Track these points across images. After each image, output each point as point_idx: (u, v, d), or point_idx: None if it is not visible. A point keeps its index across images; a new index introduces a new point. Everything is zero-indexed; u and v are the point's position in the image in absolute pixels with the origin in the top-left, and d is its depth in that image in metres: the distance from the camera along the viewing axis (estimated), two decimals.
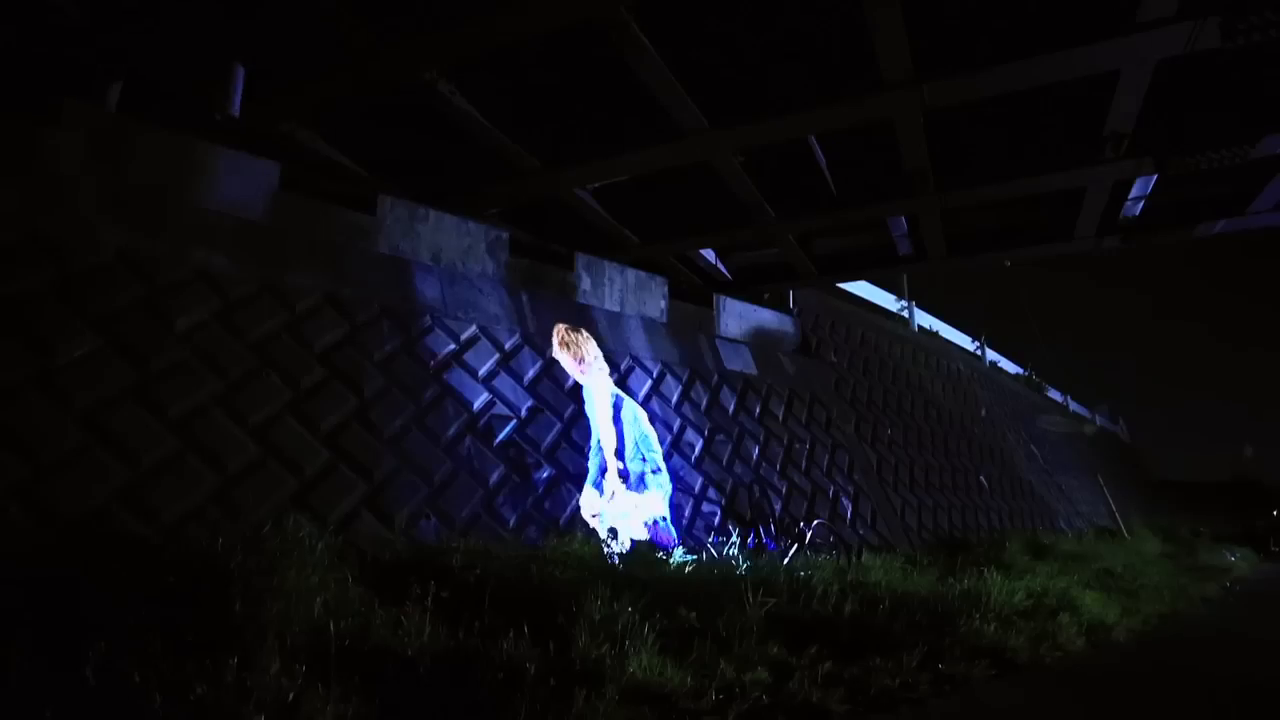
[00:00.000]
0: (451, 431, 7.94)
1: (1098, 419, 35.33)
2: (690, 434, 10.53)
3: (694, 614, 5.53)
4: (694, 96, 8.09)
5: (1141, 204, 10.63)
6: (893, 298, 20.39)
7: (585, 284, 10.89)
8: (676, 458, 10.02)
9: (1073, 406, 32.26)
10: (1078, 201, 10.60)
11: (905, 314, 20.24)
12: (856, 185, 10.48)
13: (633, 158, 9.20)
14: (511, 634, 4.50)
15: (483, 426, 8.27)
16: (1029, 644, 6.18)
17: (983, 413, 19.59)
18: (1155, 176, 9.82)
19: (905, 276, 20.44)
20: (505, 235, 10.04)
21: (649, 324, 11.54)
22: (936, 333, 21.47)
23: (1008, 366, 26.80)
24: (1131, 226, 11.24)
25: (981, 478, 16.75)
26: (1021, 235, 12.18)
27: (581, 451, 9.04)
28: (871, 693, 4.72)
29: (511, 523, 7.73)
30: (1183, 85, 8.27)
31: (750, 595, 5.86)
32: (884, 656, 5.28)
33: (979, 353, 23.97)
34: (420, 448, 7.55)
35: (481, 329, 9.09)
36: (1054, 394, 30.53)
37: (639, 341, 11.12)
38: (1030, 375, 28.41)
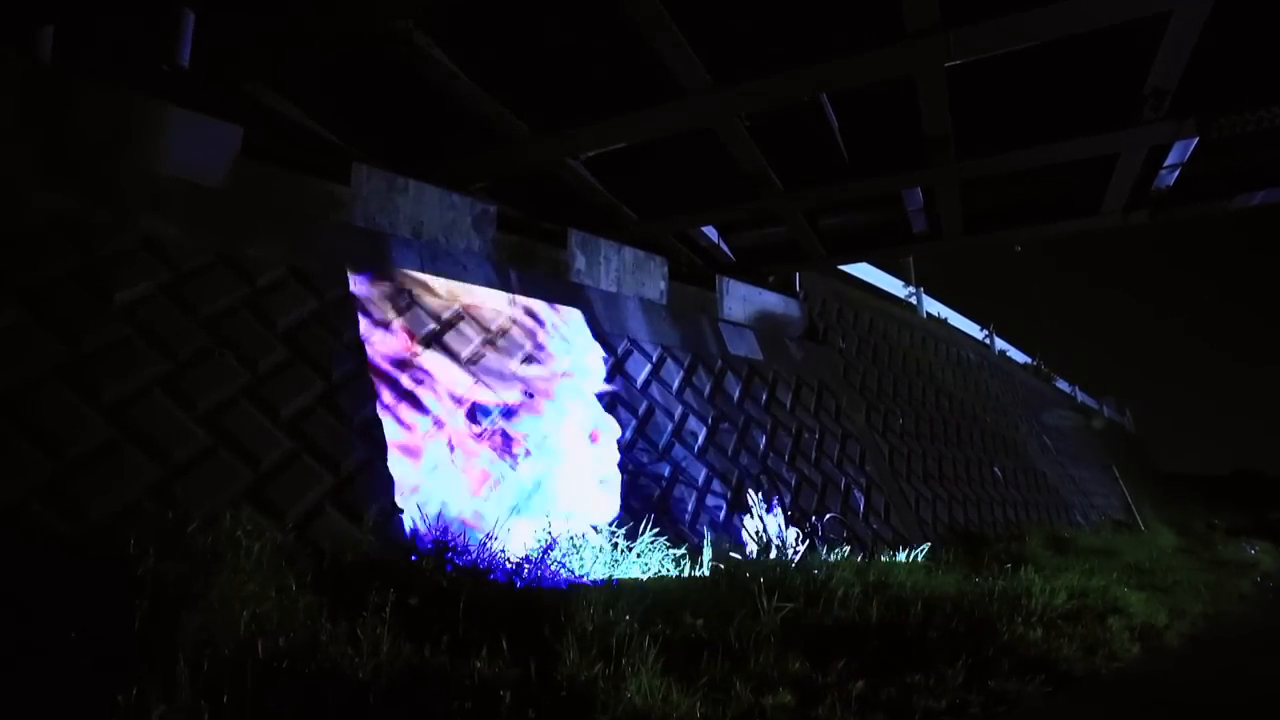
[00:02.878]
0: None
1: (1105, 410, 34.67)
2: (693, 422, 9.79)
3: (701, 622, 4.83)
4: (698, 50, 7.35)
5: (1177, 173, 9.88)
6: (900, 283, 19.66)
7: (579, 263, 10.14)
8: (678, 448, 9.29)
9: (1080, 397, 31.61)
10: (1107, 172, 9.87)
11: (913, 300, 19.51)
12: (871, 155, 9.73)
13: (630, 121, 8.44)
14: (487, 650, 3.79)
15: (467, 414, 7.53)
16: (1082, 653, 5.45)
17: (993, 403, 18.88)
18: (1194, 141, 9.10)
19: (912, 261, 19.74)
20: (492, 209, 9.29)
21: (648, 306, 10.80)
22: (945, 320, 20.74)
23: (1016, 355, 26.11)
24: (1164, 199, 10.50)
25: (995, 469, 16.05)
26: (1043, 210, 11.42)
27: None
28: (916, 718, 3.99)
29: (496, 519, 6.98)
30: (1233, 35, 7.54)
31: (764, 599, 5.16)
32: (922, 671, 4.56)
33: (987, 341, 23.28)
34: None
35: (466, 308, 8.35)
36: (1062, 384, 29.87)
37: (637, 324, 10.38)
38: (1039, 365, 27.76)
